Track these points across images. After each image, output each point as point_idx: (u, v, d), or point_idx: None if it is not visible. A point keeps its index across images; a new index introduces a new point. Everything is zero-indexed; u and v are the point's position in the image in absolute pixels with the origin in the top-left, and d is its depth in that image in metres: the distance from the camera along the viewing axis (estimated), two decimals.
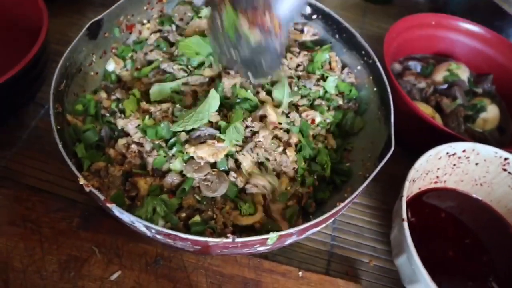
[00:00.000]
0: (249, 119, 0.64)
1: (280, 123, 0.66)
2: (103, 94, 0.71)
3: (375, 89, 0.72)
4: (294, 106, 0.71)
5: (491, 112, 0.86)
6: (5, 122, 0.77)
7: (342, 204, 0.56)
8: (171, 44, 0.79)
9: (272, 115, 0.64)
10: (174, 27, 0.80)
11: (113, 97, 0.70)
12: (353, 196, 0.57)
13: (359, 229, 0.76)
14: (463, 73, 0.90)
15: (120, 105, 0.68)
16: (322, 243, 0.73)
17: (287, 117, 0.68)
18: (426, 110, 0.82)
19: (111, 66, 0.75)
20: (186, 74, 0.72)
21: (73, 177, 0.56)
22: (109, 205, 0.52)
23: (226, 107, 0.66)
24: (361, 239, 0.75)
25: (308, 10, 0.79)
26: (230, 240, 0.51)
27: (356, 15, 1.12)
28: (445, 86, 0.89)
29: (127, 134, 0.65)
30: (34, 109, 0.82)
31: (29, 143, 0.77)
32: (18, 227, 0.65)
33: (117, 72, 0.76)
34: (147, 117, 0.63)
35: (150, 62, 0.77)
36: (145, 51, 0.78)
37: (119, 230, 0.66)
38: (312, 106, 0.72)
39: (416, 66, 0.92)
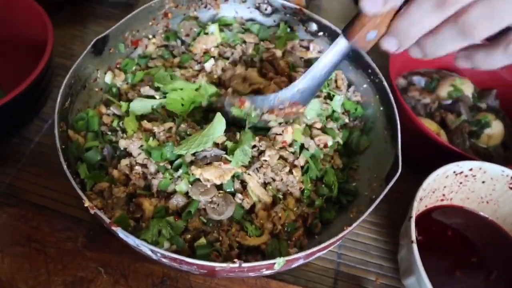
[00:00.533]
0: (257, 138, 0.64)
1: (290, 145, 0.65)
2: (102, 109, 0.71)
3: (381, 108, 0.71)
4: (308, 129, 0.70)
5: (495, 128, 0.86)
6: (10, 139, 0.76)
7: (350, 228, 0.56)
8: (175, 56, 0.79)
9: (288, 135, 0.64)
10: (179, 42, 0.80)
11: (109, 111, 0.70)
12: (360, 219, 0.57)
13: (365, 247, 0.76)
14: (468, 89, 0.90)
15: (121, 124, 0.67)
16: (328, 261, 0.73)
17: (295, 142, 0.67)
18: (431, 126, 0.82)
19: (108, 78, 0.74)
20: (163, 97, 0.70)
21: (78, 195, 0.56)
22: (114, 228, 0.52)
23: (236, 126, 0.66)
24: (367, 256, 0.75)
25: (314, 27, 0.78)
26: (236, 265, 0.50)
27: None
28: (450, 101, 0.89)
29: (129, 154, 0.64)
30: (37, 124, 0.81)
31: (32, 159, 0.77)
32: (23, 247, 0.64)
33: (118, 85, 0.75)
34: (151, 138, 0.63)
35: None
36: (149, 65, 0.78)
37: (125, 249, 0.65)
38: (324, 130, 0.71)
39: (420, 81, 0.92)
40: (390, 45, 0.49)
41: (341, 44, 0.55)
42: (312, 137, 0.68)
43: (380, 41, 0.50)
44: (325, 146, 0.68)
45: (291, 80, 0.74)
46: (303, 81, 0.61)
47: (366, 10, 0.45)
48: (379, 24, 0.47)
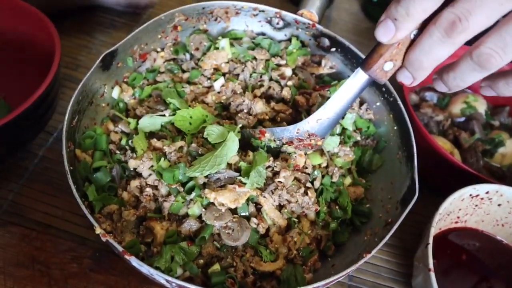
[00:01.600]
0: (271, 159, 0.62)
1: (306, 167, 0.64)
2: (110, 125, 0.69)
3: (395, 127, 0.70)
4: (335, 157, 0.69)
5: (509, 147, 0.84)
6: (15, 155, 0.74)
7: (369, 256, 0.54)
8: (184, 71, 0.77)
9: (301, 159, 0.62)
10: (188, 56, 0.78)
11: (117, 129, 0.68)
12: (379, 246, 0.55)
13: (376, 269, 0.74)
14: (481, 106, 0.89)
15: (130, 142, 0.65)
16: (339, 283, 0.71)
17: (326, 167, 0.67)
18: (444, 145, 0.80)
19: (115, 92, 0.72)
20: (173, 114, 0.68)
21: (83, 213, 0.53)
22: (127, 257, 0.50)
23: (247, 146, 0.64)
24: (379, 279, 0.73)
25: (327, 42, 0.76)
26: None
27: (370, 41, 1.10)
28: (463, 119, 0.87)
29: (139, 175, 0.62)
30: (42, 137, 0.79)
31: (36, 174, 0.74)
32: (27, 269, 0.62)
33: (126, 100, 0.73)
34: (162, 159, 0.60)
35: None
36: (157, 79, 0.76)
37: (131, 271, 0.63)
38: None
39: (432, 97, 0.91)
40: (404, 78, 0.50)
41: (359, 76, 0.54)
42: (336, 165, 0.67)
43: (395, 74, 0.50)
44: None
45: (294, 105, 0.73)
46: (322, 112, 0.61)
47: (379, 38, 0.46)
48: (395, 55, 0.49)
